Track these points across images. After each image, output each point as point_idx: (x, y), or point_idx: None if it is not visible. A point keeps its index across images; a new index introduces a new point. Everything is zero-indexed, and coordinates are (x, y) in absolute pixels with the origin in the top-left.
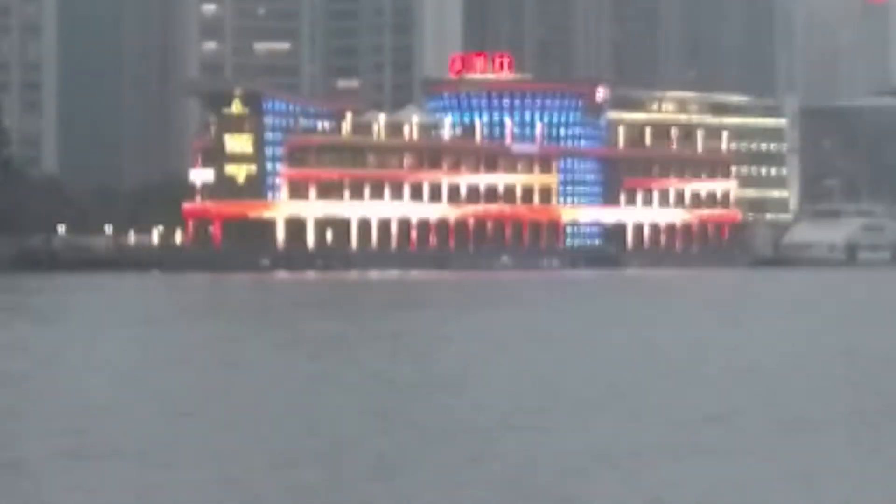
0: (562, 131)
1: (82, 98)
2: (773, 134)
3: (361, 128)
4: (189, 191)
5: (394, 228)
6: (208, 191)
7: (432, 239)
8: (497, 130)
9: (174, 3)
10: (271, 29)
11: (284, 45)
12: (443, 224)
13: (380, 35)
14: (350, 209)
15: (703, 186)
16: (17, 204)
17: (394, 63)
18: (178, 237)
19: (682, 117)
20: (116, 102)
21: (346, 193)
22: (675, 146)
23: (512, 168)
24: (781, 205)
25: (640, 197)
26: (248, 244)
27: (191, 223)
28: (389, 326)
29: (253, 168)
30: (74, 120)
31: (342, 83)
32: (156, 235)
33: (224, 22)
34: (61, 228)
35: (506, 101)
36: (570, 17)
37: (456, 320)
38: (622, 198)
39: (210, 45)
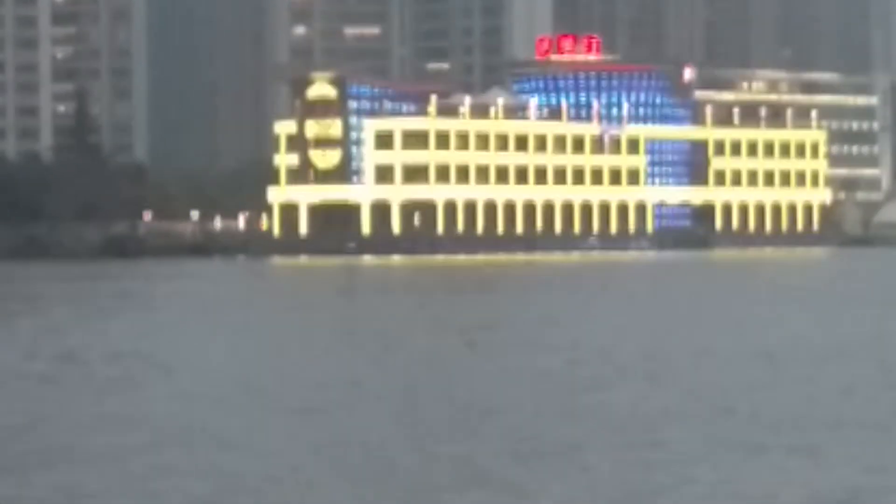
0: (649, 112)
1: (173, 84)
2: (864, 112)
3: (447, 111)
4: (275, 176)
5: (480, 211)
6: (294, 175)
7: (519, 222)
8: (584, 112)
9: None
10: (361, 13)
11: (374, 29)
12: (530, 206)
13: (469, 17)
14: (436, 192)
15: (793, 166)
16: (103, 190)
17: (483, 45)
18: (264, 222)
19: (772, 96)
20: (208, 88)
21: (432, 177)
22: (763, 125)
23: (599, 149)
24: (873, 183)
25: (728, 177)
26: (333, 229)
27: (276, 208)
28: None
29: (338, 152)
30: (165, 106)
31: (432, 66)
32: (242, 221)
33: (314, 6)
34: (147, 215)
35: (592, 83)
36: None
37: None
38: (710, 178)
39: (300, 30)
